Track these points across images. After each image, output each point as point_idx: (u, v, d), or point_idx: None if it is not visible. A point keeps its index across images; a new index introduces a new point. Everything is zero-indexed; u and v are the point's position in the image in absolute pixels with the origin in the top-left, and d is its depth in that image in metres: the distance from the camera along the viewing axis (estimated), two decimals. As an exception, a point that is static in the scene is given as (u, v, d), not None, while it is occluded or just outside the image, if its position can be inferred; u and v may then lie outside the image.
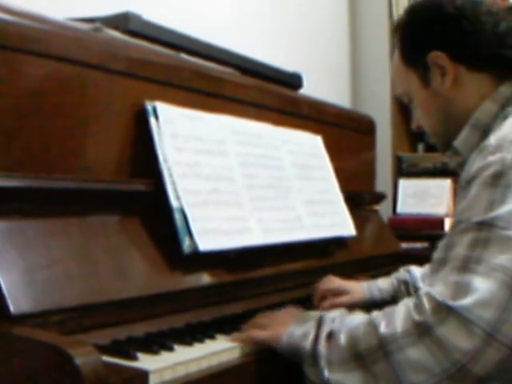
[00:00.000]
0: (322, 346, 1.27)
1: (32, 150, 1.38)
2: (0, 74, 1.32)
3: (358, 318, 1.30)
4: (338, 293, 1.85)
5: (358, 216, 2.47)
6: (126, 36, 1.77)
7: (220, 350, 1.32)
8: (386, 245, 2.73)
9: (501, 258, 1.16)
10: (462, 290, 1.16)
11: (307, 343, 1.29)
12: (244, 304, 1.71)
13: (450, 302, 1.15)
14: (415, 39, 1.52)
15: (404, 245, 2.94)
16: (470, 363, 1.13)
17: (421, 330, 1.16)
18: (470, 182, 1.29)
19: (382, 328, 1.21)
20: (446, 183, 3.52)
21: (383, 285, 1.90)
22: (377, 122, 2.95)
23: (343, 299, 1.82)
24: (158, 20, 1.93)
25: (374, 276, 2.34)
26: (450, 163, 1.56)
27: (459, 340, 1.13)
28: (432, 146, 4.17)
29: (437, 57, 1.47)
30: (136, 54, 1.66)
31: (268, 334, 1.39)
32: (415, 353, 1.16)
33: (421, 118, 1.58)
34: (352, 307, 1.69)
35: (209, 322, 1.53)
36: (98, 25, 1.69)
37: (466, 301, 1.14)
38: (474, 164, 1.31)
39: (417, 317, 1.18)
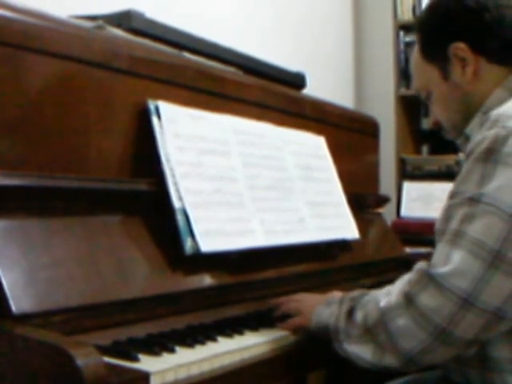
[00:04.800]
0: (342, 323, 1.41)
1: (34, 149, 1.37)
2: (2, 72, 1.32)
3: (372, 295, 1.42)
4: None
5: (362, 219, 2.46)
6: (128, 34, 1.76)
7: (222, 352, 1.31)
8: (390, 249, 2.72)
9: (479, 232, 1.26)
10: (445, 260, 1.27)
11: (331, 321, 1.44)
12: (246, 306, 1.70)
13: (432, 270, 1.27)
14: (436, 32, 1.55)
15: (408, 249, 2.92)
16: (450, 326, 1.24)
17: (406, 300, 1.29)
18: (469, 155, 1.35)
19: (382, 303, 1.35)
20: (450, 187, 3.50)
21: None
22: (381, 124, 2.94)
23: None
24: (160, 18, 1.92)
25: (379, 281, 2.34)
26: (462, 150, 1.58)
27: (437, 305, 1.24)
28: (436, 148, 4.17)
29: (458, 48, 1.49)
30: (138, 52, 1.65)
31: (300, 318, 1.53)
32: (403, 321, 1.29)
33: (439, 113, 1.60)
34: None
35: (210, 324, 1.52)
36: (100, 23, 1.68)
37: (444, 269, 1.26)
38: (475, 137, 1.37)
39: (405, 288, 1.31)
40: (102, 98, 1.53)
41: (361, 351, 1.36)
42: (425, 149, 4.07)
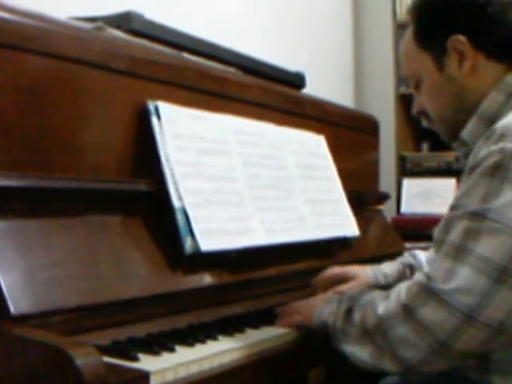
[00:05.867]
0: (340, 322, 1.41)
1: (33, 150, 1.38)
2: (1, 73, 1.32)
3: (370, 296, 1.40)
4: (344, 279, 1.86)
5: (362, 216, 2.47)
6: (128, 35, 1.76)
7: (221, 351, 1.32)
8: (390, 245, 2.73)
9: (486, 250, 1.22)
10: (449, 276, 1.23)
11: (330, 319, 1.43)
12: (246, 305, 1.70)
13: (434, 285, 1.24)
14: (436, 22, 1.49)
15: (408, 245, 2.93)
16: (450, 339, 1.21)
17: (405, 312, 1.27)
18: (472, 169, 1.31)
19: (380, 309, 1.32)
20: (450, 183, 3.52)
21: (388, 269, 1.92)
22: (381, 122, 2.95)
23: (349, 285, 1.82)
24: (160, 19, 1.92)
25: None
26: (458, 154, 1.56)
27: (439, 319, 1.22)
28: (436, 145, 4.18)
29: (457, 41, 1.44)
30: (138, 53, 1.65)
31: (300, 317, 1.54)
32: (403, 331, 1.27)
33: (427, 103, 1.55)
34: None
35: (210, 323, 1.53)
36: (99, 24, 1.68)
37: (449, 286, 1.22)
38: (480, 152, 1.31)
39: (404, 299, 1.28)
40: (101, 99, 1.54)
41: (358, 352, 1.35)
42: (425, 146, 4.08)
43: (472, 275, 1.21)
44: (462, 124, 1.48)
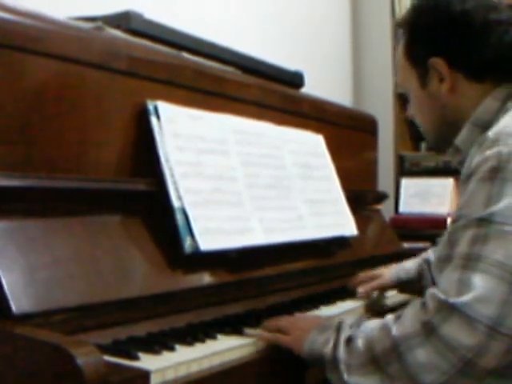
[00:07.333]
0: (341, 352, 1.31)
1: (34, 150, 1.38)
2: (1, 73, 1.32)
3: (374, 322, 1.33)
4: (372, 278, 2.04)
5: (360, 215, 2.47)
6: (127, 35, 1.76)
7: (221, 349, 1.32)
8: (388, 244, 2.73)
9: (498, 254, 1.20)
10: (464, 287, 1.19)
11: (328, 349, 1.34)
12: (245, 304, 1.71)
13: (452, 300, 1.19)
14: (419, 41, 1.51)
15: (406, 244, 2.94)
16: (476, 357, 1.16)
17: (427, 330, 1.20)
18: (469, 176, 1.31)
19: (394, 330, 1.25)
20: (448, 182, 3.52)
21: (409, 266, 2.04)
22: (379, 121, 2.95)
23: (374, 283, 2.01)
24: (159, 19, 1.92)
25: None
26: (452, 161, 1.57)
27: (463, 336, 1.16)
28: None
29: (436, 63, 1.46)
30: (137, 53, 1.66)
31: (290, 338, 1.43)
32: (424, 353, 1.20)
33: (414, 113, 1.60)
34: (382, 290, 2.05)
35: (210, 322, 1.53)
36: (99, 24, 1.68)
37: (467, 297, 1.18)
38: (474, 158, 1.32)
39: (423, 317, 1.22)
40: (101, 99, 1.54)
41: (366, 382, 1.27)
42: (423, 145, 4.08)
43: (487, 282, 1.18)
44: (444, 138, 1.52)
